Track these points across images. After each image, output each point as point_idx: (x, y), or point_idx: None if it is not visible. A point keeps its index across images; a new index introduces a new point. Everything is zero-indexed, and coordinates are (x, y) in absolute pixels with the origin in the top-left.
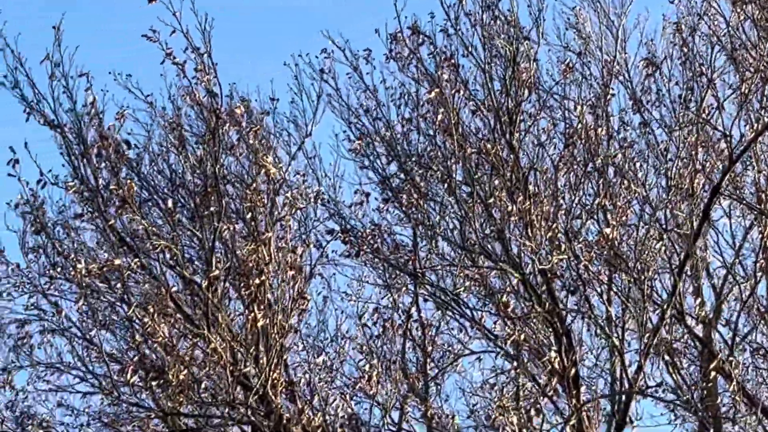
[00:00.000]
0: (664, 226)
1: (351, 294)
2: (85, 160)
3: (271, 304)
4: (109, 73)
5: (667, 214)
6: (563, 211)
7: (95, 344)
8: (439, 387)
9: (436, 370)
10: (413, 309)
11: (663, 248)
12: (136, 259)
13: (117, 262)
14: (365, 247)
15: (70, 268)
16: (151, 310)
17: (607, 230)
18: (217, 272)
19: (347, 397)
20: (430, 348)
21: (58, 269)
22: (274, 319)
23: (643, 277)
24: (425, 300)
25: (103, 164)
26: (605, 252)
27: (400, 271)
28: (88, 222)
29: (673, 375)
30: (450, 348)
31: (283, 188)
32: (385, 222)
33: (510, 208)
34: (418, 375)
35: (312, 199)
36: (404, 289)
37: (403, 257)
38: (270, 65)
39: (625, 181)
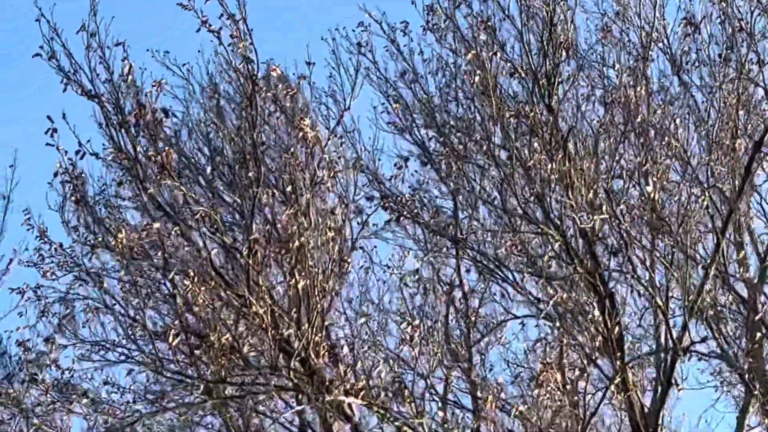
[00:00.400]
0: (705, 185)
1: (392, 266)
2: (123, 130)
3: (311, 266)
4: (147, 50)
5: (709, 174)
6: (603, 173)
7: (138, 321)
8: (483, 357)
9: (480, 336)
10: (455, 276)
11: (705, 204)
12: (176, 227)
13: (156, 225)
14: (405, 212)
15: (111, 239)
16: (191, 274)
17: (649, 188)
18: (256, 235)
19: (390, 361)
20: (473, 317)
21: (99, 239)
22: (315, 282)
23: (686, 240)
24: (467, 270)
25: (141, 133)
26: (647, 214)
27: (440, 236)
28: (128, 195)
29: (718, 339)
30: (493, 320)
31: (321, 152)
32: (425, 188)
33: (550, 166)
34: (461, 341)
35: (351, 165)
36: (446, 252)
37: (443, 222)
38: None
39: (666, 138)
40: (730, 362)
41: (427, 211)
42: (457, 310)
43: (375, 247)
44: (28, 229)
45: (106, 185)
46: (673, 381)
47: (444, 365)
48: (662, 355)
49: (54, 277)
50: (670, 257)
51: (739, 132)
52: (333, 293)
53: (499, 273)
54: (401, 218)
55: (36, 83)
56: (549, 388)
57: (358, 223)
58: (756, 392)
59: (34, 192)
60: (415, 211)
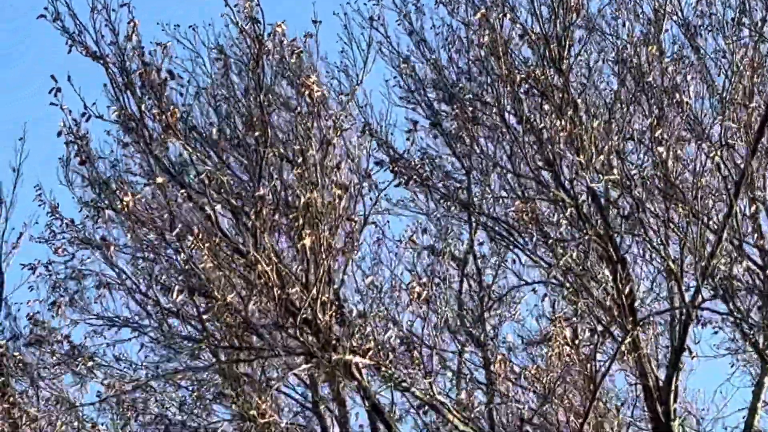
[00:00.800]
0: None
1: (404, 239)
2: (128, 91)
3: (318, 221)
4: (157, 23)
5: (722, 133)
6: (615, 133)
7: (150, 297)
8: (496, 331)
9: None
10: (467, 248)
11: (716, 162)
12: (183, 191)
13: (159, 180)
14: (414, 175)
15: (117, 202)
16: (196, 230)
17: (661, 149)
18: (262, 192)
19: (399, 324)
20: (487, 290)
21: (105, 202)
22: (321, 239)
23: (699, 206)
24: (480, 243)
25: (146, 95)
26: (660, 182)
27: (451, 200)
28: (137, 172)
29: (732, 311)
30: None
31: (327, 110)
32: (436, 152)
33: (559, 123)
34: (473, 308)
35: (360, 129)
36: (456, 215)
37: (454, 186)
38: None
39: (678, 95)
40: (744, 333)
41: (437, 175)
42: (470, 284)
43: (388, 221)
44: (39, 205)
45: (117, 161)
46: (686, 347)
47: (456, 339)
48: (675, 320)
49: (66, 253)
50: (684, 225)
51: (753, 94)
52: (341, 252)
53: (511, 239)
54: (410, 181)
55: (38, 83)
56: (558, 343)
57: (370, 199)
58: None
59: (45, 171)
60: (425, 174)
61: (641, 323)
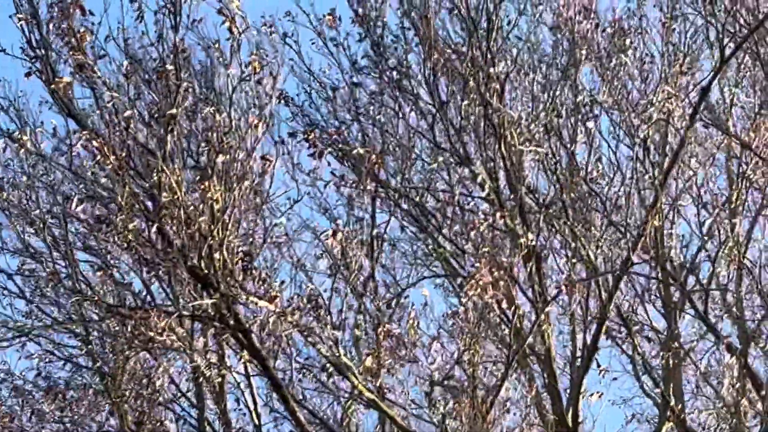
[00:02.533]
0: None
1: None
2: (35, 21)
3: (230, 150)
4: None
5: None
6: (542, 109)
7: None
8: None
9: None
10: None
11: (646, 135)
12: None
13: (66, 79)
14: (329, 146)
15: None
16: (101, 141)
17: (590, 124)
18: (174, 111)
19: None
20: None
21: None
22: (234, 166)
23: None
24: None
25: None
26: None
27: (363, 175)
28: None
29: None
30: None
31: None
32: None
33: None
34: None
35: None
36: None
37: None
38: None
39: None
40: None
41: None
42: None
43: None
44: None
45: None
46: (598, 347)
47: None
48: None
49: None
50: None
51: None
52: (252, 191)
53: (420, 223)
54: (324, 153)
55: None
56: (481, 283)
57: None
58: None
59: None
60: (341, 146)
61: (555, 297)
